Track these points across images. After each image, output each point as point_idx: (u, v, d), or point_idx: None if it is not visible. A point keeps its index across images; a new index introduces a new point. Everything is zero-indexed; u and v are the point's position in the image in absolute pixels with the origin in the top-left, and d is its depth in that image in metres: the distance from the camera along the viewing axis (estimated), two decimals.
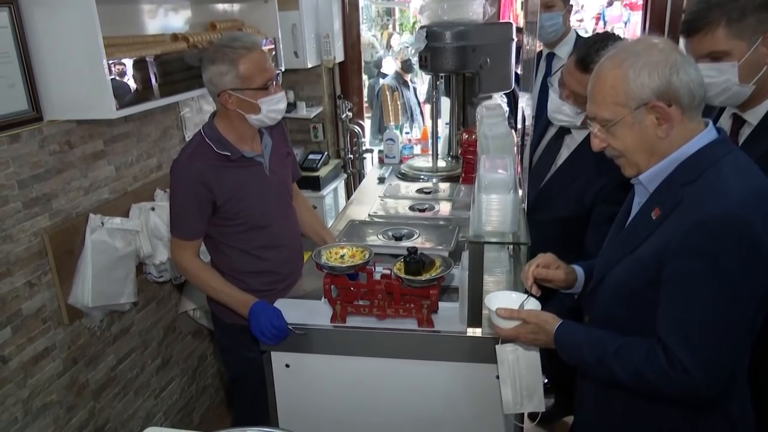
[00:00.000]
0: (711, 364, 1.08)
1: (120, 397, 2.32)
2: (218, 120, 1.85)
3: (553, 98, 1.89)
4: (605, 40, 1.72)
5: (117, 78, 1.92)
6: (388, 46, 7.13)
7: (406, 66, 4.69)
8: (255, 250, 1.92)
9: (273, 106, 1.80)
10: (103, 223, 2.08)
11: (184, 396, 2.72)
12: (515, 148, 2.07)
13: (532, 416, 1.45)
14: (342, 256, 1.70)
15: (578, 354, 1.25)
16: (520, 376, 1.42)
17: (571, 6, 2.81)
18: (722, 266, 1.06)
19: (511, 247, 1.79)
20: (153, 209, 2.27)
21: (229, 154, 1.81)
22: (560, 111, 1.88)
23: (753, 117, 1.53)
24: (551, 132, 2.12)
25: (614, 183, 1.76)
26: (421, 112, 4.74)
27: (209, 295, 1.93)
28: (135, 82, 2.02)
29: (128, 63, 1.98)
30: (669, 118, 1.14)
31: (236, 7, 2.97)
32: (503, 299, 1.42)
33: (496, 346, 1.44)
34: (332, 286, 1.65)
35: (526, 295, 1.42)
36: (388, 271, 1.65)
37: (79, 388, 2.12)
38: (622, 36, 1.82)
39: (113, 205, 2.20)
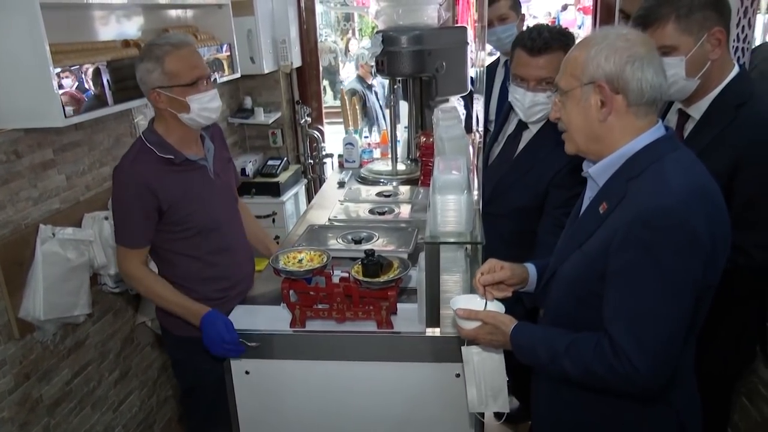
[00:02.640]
0: (654, 356, 1.11)
1: (76, 412, 2.26)
2: (157, 124, 1.82)
3: (526, 95, 1.88)
4: (551, 30, 1.82)
5: (67, 85, 1.88)
6: (347, 51, 7.14)
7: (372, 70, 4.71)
8: (205, 255, 1.89)
9: (205, 105, 1.77)
10: (54, 234, 2.03)
11: (144, 408, 2.67)
12: (470, 150, 2.10)
13: (498, 416, 1.47)
14: (300, 261, 1.70)
15: (532, 354, 1.27)
16: (484, 377, 1.43)
17: (524, 15, 2.88)
18: (661, 259, 1.09)
19: (469, 246, 1.82)
20: (107, 218, 2.22)
21: (172, 157, 1.77)
22: (537, 103, 1.88)
23: (696, 112, 1.60)
24: (509, 129, 2.15)
25: (567, 168, 1.81)
26: (384, 116, 4.77)
27: (159, 305, 1.88)
28: (90, 88, 1.98)
29: (84, 70, 1.95)
30: (610, 104, 1.18)
31: (190, 13, 2.94)
32: (467, 301, 1.44)
33: (462, 347, 1.45)
34: (291, 291, 1.65)
35: (491, 298, 1.44)
36: (346, 275, 1.66)
37: (33, 404, 2.05)
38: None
39: (65, 215, 2.15)
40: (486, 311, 1.36)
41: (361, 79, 4.76)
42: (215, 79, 1.90)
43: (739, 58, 2.01)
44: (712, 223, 1.13)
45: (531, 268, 1.50)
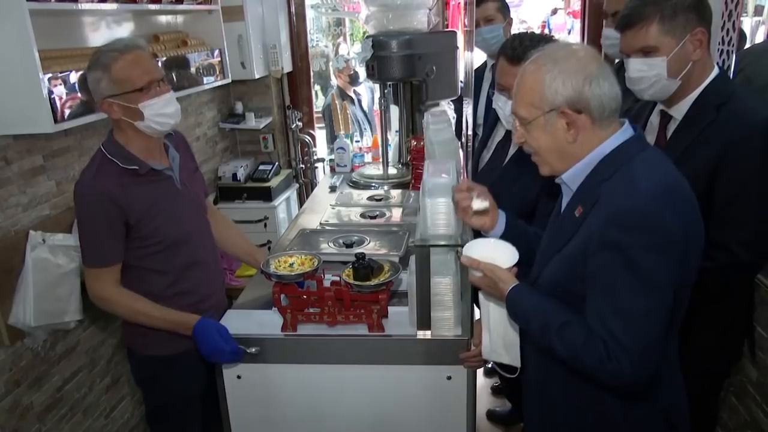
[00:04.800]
0: (636, 354, 1.11)
1: (67, 419, 2.25)
2: (117, 134, 1.71)
3: (507, 104, 1.85)
4: (533, 39, 1.77)
5: (56, 91, 1.88)
6: (336, 56, 7.15)
7: (352, 79, 4.73)
8: (174, 269, 1.79)
9: (159, 110, 1.66)
10: (44, 240, 2.02)
11: (136, 415, 2.65)
12: (460, 153, 2.11)
13: (510, 370, 1.44)
14: (291, 265, 1.70)
15: (524, 320, 1.28)
16: (496, 325, 1.41)
17: (511, 19, 2.90)
18: (635, 258, 1.11)
19: (459, 249, 1.83)
20: None
21: (137, 168, 1.68)
22: None
23: (677, 112, 1.62)
24: (498, 135, 2.16)
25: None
26: (369, 123, 4.78)
27: (144, 323, 1.74)
28: (80, 94, 1.97)
29: (74, 76, 1.94)
30: (577, 125, 1.20)
31: (180, 18, 2.94)
32: (480, 246, 1.39)
33: (480, 292, 1.42)
34: (282, 295, 1.65)
35: (506, 245, 1.39)
36: (337, 278, 1.66)
37: (23, 410, 2.04)
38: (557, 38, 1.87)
39: (55, 220, 2.14)
40: (487, 263, 1.32)
41: (341, 90, 4.78)
42: (172, 79, 1.78)
43: (724, 60, 2.03)
44: (684, 219, 1.14)
45: (502, 214, 1.52)
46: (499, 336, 1.42)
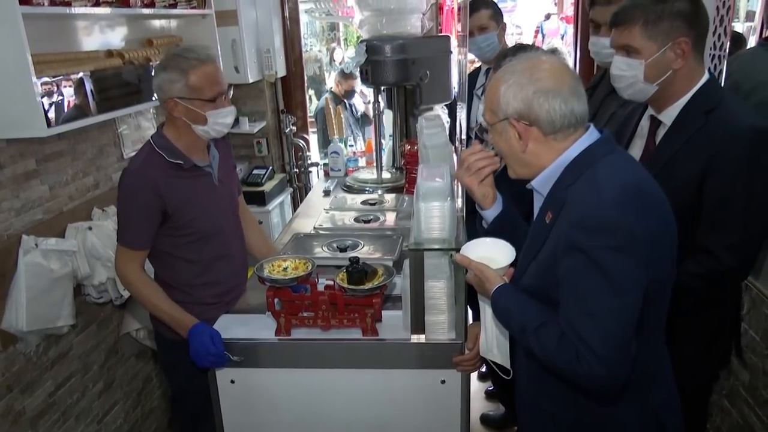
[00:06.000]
0: (606, 356, 1.11)
1: (60, 424, 2.24)
2: (167, 129, 1.85)
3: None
4: (516, 50, 1.80)
5: (50, 95, 1.88)
6: (332, 61, 7.17)
7: (347, 93, 4.78)
8: (204, 260, 1.91)
9: (220, 119, 1.82)
10: (37, 245, 2.02)
11: (129, 420, 2.64)
12: (454, 158, 2.12)
13: (504, 371, 1.45)
14: (285, 269, 1.70)
15: (506, 319, 1.29)
16: (491, 325, 1.43)
17: (505, 24, 2.91)
18: (600, 260, 1.11)
19: (453, 253, 1.83)
20: (90, 229, 2.21)
21: (181, 162, 1.81)
22: None
23: (667, 118, 1.63)
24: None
25: None
26: (361, 131, 4.81)
27: (150, 311, 1.89)
28: (73, 98, 1.97)
29: (67, 80, 1.94)
30: (526, 136, 1.24)
31: (174, 23, 2.94)
32: (477, 246, 1.41)
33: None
34: (276, 299, 1.65)
35: (503, 243, 1.40)
36: (331, 282, 1.66)
37: (15, 416, 2.03)
38: (541, 47, 1.90)
39: (48, 225, 2.13)
40: (476, 263, 1.34)
41: (335, 95, 4.79)
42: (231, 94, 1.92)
43: (716, 65, 2.05)
44: (649, 220, 1.14)
45: (499, 198, 1.53)
46: (493, 335, 1.44)
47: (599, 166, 1.19)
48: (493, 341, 1.44)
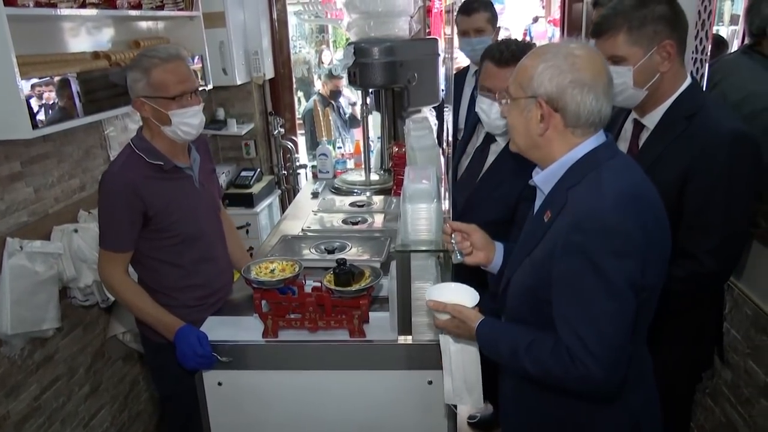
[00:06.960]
0: (603, 357, 1.13)
1: (45, 428, 2.22)
2: (145, 131, 1.84)
3: (492, 107, 1.88)
4: (518, 44, 1.85)
5: (35, 97, 1.87)
6: (320, 63, 7.16)
7: (333, 94, 4.79)
8: (187, 263, 1.90)
9: (185, 119, 1.78)
10: (21, 247, 2.00)
11: (116, 423, 2.63)
12: (441, 159, 2.13)
13: (471, 417, 1.47)
14: (272, 271, 1.70)
15: (495, 351, 1.30)
16: (458, 368, 1.44)
17: (499, 28, 2.93)
18: (598, 262, 1.13)
19: (440, 254, 1.84)
20: (76, 231, 2.20)
21: (162, 163, 1.79)
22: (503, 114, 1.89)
23: (650, 122, 1.65)
24: (478, 141, 2.18)
25: None
26: (348, 132, 4.82)
27: (135, 315, 1.88)
28: (59, 100, 1.96)
29: (53, 81, 1.93)
30: (548, 120, 1.22)
31: (161, 24, 2.93)
32: (442, 291, 1.43)
33: (440, 335, 1.45)
34: (263, 301, 1.65)
35: (466, 287, 1.43)
36: (318, 284, 1.66)
37: (0, 420, 2.01)
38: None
39: (33, 227, 2.12)
40: (453, 304, 1.36)
41: (322, 97, 4.80)
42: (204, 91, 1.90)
43: (698, 69, 2.07)
44: (646, 225, 1.16)
45: (499, 247, 1.52)
46: (461, 379, 1.44)
47: (603, 170, 1.20)
48: (461, 385, 1.45)
